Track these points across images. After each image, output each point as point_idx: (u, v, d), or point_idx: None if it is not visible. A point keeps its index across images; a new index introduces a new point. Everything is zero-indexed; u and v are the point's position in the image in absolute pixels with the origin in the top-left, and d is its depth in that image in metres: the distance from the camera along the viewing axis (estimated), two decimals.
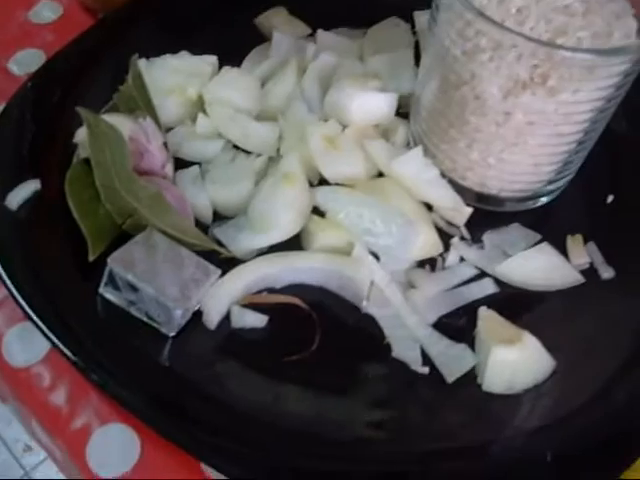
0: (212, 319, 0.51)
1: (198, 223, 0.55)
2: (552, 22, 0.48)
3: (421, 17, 0.66)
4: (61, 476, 0.55)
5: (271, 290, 0.53)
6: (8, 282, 0.50)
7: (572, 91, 0.48)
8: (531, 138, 0.51)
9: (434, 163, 0.56)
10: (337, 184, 0.56)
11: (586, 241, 0.57)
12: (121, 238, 0.52)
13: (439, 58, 0.52)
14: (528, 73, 0.47)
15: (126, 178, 0.51)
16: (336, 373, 0.50)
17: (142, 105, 0.57)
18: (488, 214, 0.58)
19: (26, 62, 0.68)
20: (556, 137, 0.51)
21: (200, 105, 0.60)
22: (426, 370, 0.49)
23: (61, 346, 0.48)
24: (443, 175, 0.56)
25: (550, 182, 0.56)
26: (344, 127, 0.58)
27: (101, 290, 0.51)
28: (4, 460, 1.37)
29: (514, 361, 0.49)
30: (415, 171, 0.55)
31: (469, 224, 0.57)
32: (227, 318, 0.51)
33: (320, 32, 0.65)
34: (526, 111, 0.49)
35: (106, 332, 0.50)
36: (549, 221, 0.58)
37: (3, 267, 0.51)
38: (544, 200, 0.58)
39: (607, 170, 0.61)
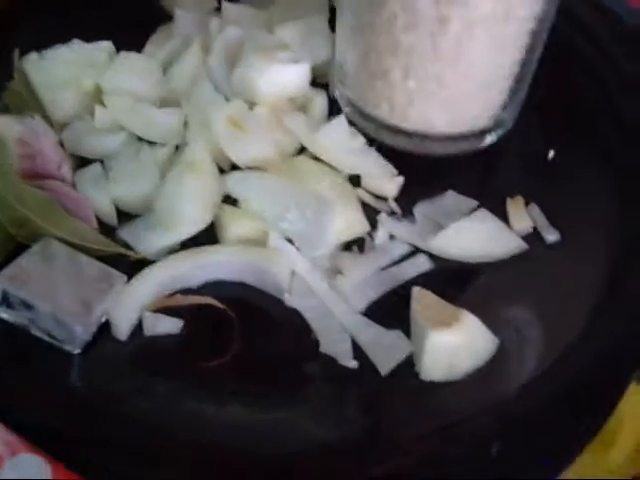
0: (122, 329, 0.46)
1: (104, 226, 0.51)
2: None
3: None
4: None
5: (187, 290, 0.49)
6: None
7: None
8: (473, 48, 0.46)
9: (370, 110, 0.52)
10: (250, 169, 0.51)
11: (527, 204, 0.53)
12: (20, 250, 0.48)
13: None
14: None
15: (12, 184, 0.47)
16: (261, 377, 0.46)
17: (30, 103, 0.52)
18: (419, 183, 0.53)
19: None
20: (500, 45, 0.47)
21: (98, 97, 0.55)
22: (355, 364, 0.45)
23: None
24: (383, 125, 0.52)
25: (497, 115, 0.52)
26: (254, 105, 0.53)
27: None
28: None
29: (453, 344, 0.45)
30: (340, 141, 0.51)
31: (399, 197, 0.53)
32: (139, 326, 0.47)
33: (225, 4, 0.60)
34: (462, 13, 0.44)
35: (6, 354, 0.46)
36: (486, 185, 0.54)
37: None
38: (492, 138, 0.54)
39: (546, 124, 0.56)
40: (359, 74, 0.51)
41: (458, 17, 0.44)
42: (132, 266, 0.48)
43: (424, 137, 0.52)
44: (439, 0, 0.44)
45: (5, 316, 0.46)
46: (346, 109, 0.54)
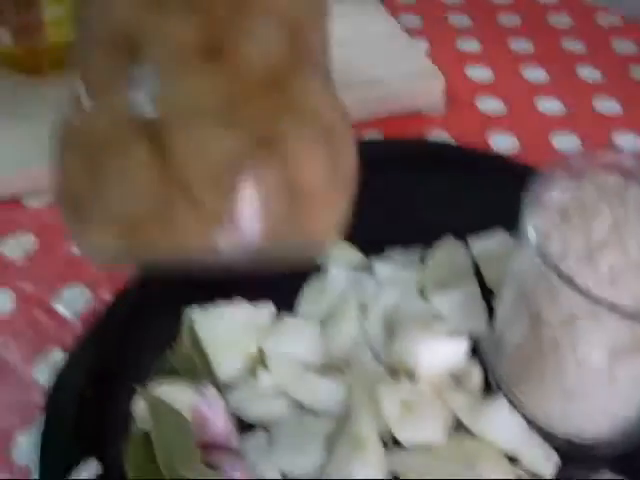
0: None
1: None
2: None
3: (476, 244, 0.65)
4: None
5: None
6: None
7: None
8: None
9: (522, 413, 0.53)
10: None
11: None
12: None
13: (529, 318, 0.49)
14: (635, 338, 0.44)
15: (196, 469, 0.47)
16: None
17: (200, 366, 0.54)
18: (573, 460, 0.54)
19: (72, 300, 0.65)
20: None
21: (261, 360, 0.56)
22: None
23: None
24: (532, 423, 0.53)
25: None
26: (412, 377, 0.55)
27: None
28: None
29: None
30: (501, 422, 0.52)
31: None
32: None
33: (378, 265, 0.62)
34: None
35: None
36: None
37: None
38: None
39: None
40: (517, 381, 0.53)
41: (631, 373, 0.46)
42: None
43: (570, 443, 0.53)
44: (617, 359, 0.45)
45: None
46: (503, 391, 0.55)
